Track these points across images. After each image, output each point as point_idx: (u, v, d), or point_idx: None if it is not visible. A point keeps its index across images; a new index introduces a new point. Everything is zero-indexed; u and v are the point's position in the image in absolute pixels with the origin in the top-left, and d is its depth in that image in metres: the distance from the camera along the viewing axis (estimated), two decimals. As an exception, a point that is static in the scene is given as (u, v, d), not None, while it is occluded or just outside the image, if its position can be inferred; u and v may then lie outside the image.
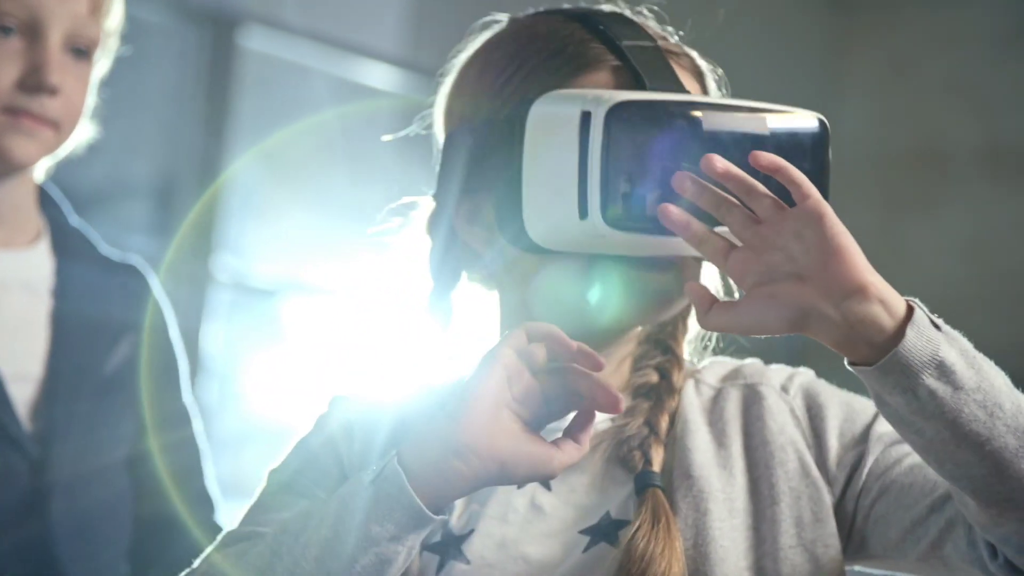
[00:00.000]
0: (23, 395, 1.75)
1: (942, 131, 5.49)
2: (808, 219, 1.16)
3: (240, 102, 4.37)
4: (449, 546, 1.32)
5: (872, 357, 1.16)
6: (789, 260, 1.17)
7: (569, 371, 1.24)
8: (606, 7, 1.40)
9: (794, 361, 1.43)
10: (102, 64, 1.83)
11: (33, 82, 1.72)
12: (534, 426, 1.25)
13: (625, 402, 1.34)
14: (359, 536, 1.21)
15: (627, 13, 1.39)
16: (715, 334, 1.44)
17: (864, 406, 1.37)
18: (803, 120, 1.29)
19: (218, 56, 4.39)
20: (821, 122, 1.28)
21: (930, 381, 1.15)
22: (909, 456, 1.31)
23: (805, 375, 1.40)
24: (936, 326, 1.17)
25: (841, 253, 1.15)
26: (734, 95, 1.37)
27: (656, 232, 1.24)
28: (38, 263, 1.82)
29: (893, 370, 1.15)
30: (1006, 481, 1.16)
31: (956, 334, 1.18)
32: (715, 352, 1.46)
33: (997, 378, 1.18)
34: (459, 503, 1.34)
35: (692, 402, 1.37)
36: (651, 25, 1.40)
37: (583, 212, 1.26)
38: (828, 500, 1.32)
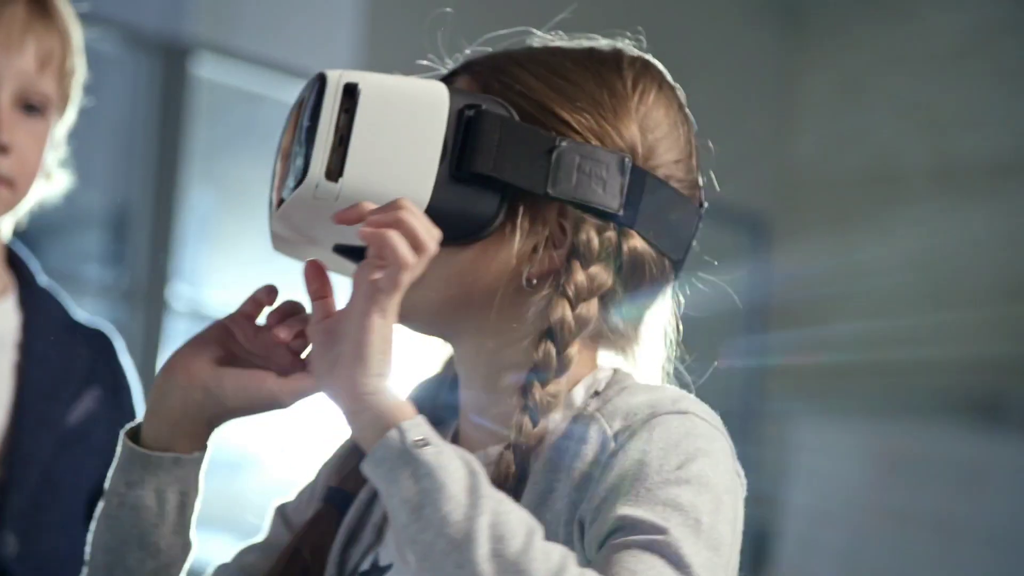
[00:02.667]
0: None
1: (894, 151, 5.53)
2: (345, 316, 1.20)
3: (193, 130, 4.36)
4: None
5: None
6: (327, 352, 1.20)
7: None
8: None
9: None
10: (67, 116, 1.84)
11: None
12: (290, 370, 1.27)
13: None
14: (108, 496, 1.29)
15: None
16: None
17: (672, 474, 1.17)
18: (311, 79, 1.32)
19: (170, 85, 4.38)
20: (317, 77, 1.30)
21: (383, 509, 1.17)
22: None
23: (680, 416, 1.19)
24: (406, 458, 1.11)
25: (349, 360, 1.16)
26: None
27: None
28: (3, 317, 1.83)
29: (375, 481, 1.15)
30: None
31: (427, 466, 1.11)
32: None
33: (437, 528, 1.09)
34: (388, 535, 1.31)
35: (548, 447, 1.23)
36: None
37: None
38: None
